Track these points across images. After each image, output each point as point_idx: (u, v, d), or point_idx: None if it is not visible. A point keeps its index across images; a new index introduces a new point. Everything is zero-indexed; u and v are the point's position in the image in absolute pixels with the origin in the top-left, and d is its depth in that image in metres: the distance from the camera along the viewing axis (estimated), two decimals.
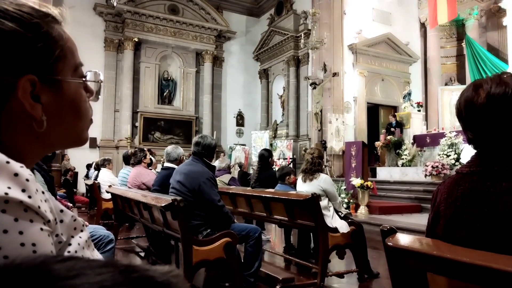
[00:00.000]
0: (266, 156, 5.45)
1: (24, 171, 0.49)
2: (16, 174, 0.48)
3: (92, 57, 11.99)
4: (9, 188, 0.46)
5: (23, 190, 0.48)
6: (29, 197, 0.48)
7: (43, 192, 0.52)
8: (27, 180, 0.49)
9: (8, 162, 0.48)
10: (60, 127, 0.60)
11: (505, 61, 11.79)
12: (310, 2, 12.79)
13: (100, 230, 2.68)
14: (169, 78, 14.46)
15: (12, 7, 0.55)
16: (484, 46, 12.83)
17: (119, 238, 4.93)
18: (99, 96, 0.69)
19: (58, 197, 4.33)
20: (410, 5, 13.68)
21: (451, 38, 14.42)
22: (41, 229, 0.48)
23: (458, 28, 14.03)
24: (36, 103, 0.56)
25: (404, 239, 1.14)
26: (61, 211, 0.57)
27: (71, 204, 4.71)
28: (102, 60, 13.23)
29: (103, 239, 2.57)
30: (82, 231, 0.61)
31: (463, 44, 13.27)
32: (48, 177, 2.51)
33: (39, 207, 0.49)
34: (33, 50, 0.56)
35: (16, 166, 0.49)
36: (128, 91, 13.32)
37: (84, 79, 0.64)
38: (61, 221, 0.56)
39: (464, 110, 1.07)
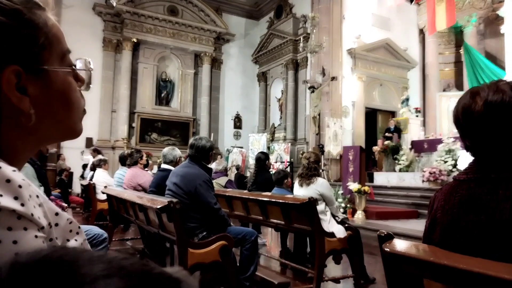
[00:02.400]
0: (263, 159, 5.46)
1: (17, 177, 0.48)
2: (8, 181, 0.47)
3: (90, 56, 11.52)
4: (0, 196, 0.45)
5: (16, 198, 0.46)
6: (22, 204, 0.47)
7: (37, 196, 0.51)
8: (20, 186, 0.47)
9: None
10: (51, 119, 0.57)
11: (503, 68, 11.84)
12: (309, 6, 12.84)
13: (94, 229, 2.69)
14: (167, 79, 14.45)
15: None
16: (482, 53, 12.92)
17: (114, 239, 4.90)
18: (90, 86, 0.65)
19: (52, 196, 4.30)
20: (409, 11, 13.76)
21: (449, 44, 14.51)
22: (36, 236, 0.47)
23: (457, 34, 14.13)
24: (23, 96, 0.52)
25: (401, 245, 1.13)
26: (56, 214, 0.56)
27: (66, 204, 4.67)
28: (100, 60, 13.20)
29: (97, 237, 2.57)
30: (78, 233, 0.60)
31: (461, 51, 13.36)
32: (41, 171, 2.51)
33: (32, 214, 0.47)
34: (15, 39, 0.52)
35: (8, 171, 0.48)
36: (125, 91, 13.29)
37: (72, 67, 0.61)
38: (56, 224, 0.55)
39: (462, 117, 1.07)
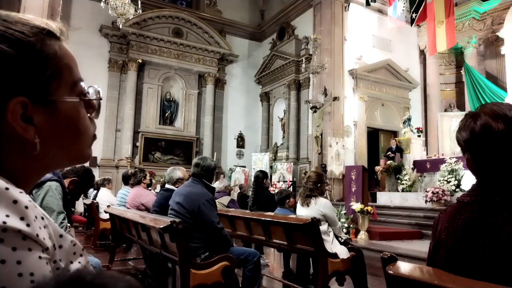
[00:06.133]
0: (260, 177, 5.44)
1: (24, 198, 0.49)
2: (15, 201, 0.48)
3: (96, 77, 12.13)
4: (7, 216, 0.46)
5: (22, 218, 0.47)
6: (28, 225, 0.47)
7: (42, 218, 0.52)
8: (26, 207, 0.48)
9: (7, 189, 0.48)
10: (57, 147, 0.58)
11: (504, 89, 11.93)
12: (311, 28, 13.09)
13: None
14: (171, 99, 14.60)
15: (2, 26, 0.53)
16: (483, 73, 13.03)
17: (115, 259, 4.86)
18: (99, 114, 0.66)
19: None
20: (409, 32, 13.98)
21: (450, 65, 14.66)
22: (40, 257, 0.48)
23: (457, 55, 14.30)
24: (28, 125, 0.53)
25: (405, 268, 1.13)
26: (61, 236, 0.56)
27: (69, 224, 4.66)
28: (106, 80, 13.39)
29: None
30: (81, 255, 0.60)
31: (462, 72, 13.48)
32: (66, 192, 2.50)
33: (37, 235, 0.48)
34: (23, 71, 0.53)
35: (15, 192, 0.49)
36: (130, 111, 13.42)
37: (81, 97, 0.61)
38: (60, 246, 0.55)
39: (482, 137, 1.03)
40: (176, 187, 3.85)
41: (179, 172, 4.15)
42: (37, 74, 0.54)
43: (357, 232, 7.41)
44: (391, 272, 1.11)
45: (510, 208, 0.98)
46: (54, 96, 0.56)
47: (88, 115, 0.63)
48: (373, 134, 13.26)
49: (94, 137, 0.65)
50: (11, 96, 0.52)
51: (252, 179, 12.66)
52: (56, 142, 0.57)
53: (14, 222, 0.46)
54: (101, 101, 0.66)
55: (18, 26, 0.54)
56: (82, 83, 0.61)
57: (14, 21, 0.54)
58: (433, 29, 11.25)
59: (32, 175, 0.59)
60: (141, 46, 13.65)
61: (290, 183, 12.17)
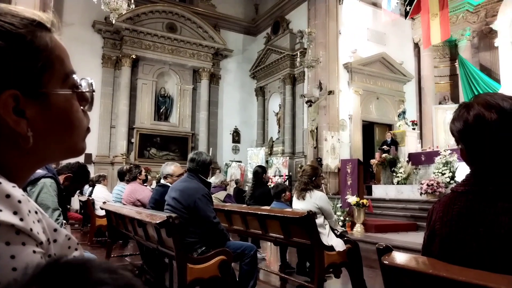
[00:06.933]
0: (260, 173, 5.46)
1: (16, 192, 0.48)
2: (7, 196, 0.47)
3: (89, 73, 11.91)
4: (0, 210, 0.46)
5: (15, 213, 0.47)
6: (21, 219, 0.47)
7: (36, 212, 0.51)
8: (19, 201, 0.48)
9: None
10: (50, 140, 0.57)
11: (497, 81, 12.00)
12: (306, 22, 13.04)
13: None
14: (166, 94, 14.53)
15: None
16: (477, 66, 13.09)
17: (112, 255, 4.86)
18: (92, 106, 0.65)
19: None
20: (403, 25, 13.98)
21: (444, 58, 14.70)
22: (34, 251, 0.47)
23: (451, 48, 14.33)
24: (20, 118, 0.53)
25: (400, 258, 1.14)
26: (55, 230, 0.56)
27: (64, 221, 4.64)
28: (100, 76, 13.28)
29: None
30: (76, 249, 0.60)
31: (456, 64, 13.52)
32: (61, 188, 2.49)
33: (31, 229, 0.48)
34: (14, 64, 0.52)
35: (8, 187, 0.48)
36: (124, 107, 13.34)
37: (74, 89, 0.60)
38: (55, 240, 0.55)
39: (475, 126, 1.03)
40: (167, 182, 3.83)
41: (169, 167, 4.07)
42: (28, 66, 0.53)
43: (353, 225, 7.46)
44: (386, 262, 1.12)
45: (503, 197, 0.99)
46: (46, 89, 0.55)
47: (81, 108, 0.62)
48: (368, 128, 13.30)
49: (87, 130, 0.64)
50: (2, 89, 0.51)
51: (248, 174, 12.73)
52: (49, 135, 0.57)
53: (7, 216, 0.46)
54: (94, 93, 0.65)
55: (7, 17, 0.53)
56: (74, 76, 0.61)
57: (3, 13, 0.53)
58: (427, 22, 11.25)
59: (25, 169, 0.58)
60: (135, 42, 13.54)
61: (286, 177, 12.20)
